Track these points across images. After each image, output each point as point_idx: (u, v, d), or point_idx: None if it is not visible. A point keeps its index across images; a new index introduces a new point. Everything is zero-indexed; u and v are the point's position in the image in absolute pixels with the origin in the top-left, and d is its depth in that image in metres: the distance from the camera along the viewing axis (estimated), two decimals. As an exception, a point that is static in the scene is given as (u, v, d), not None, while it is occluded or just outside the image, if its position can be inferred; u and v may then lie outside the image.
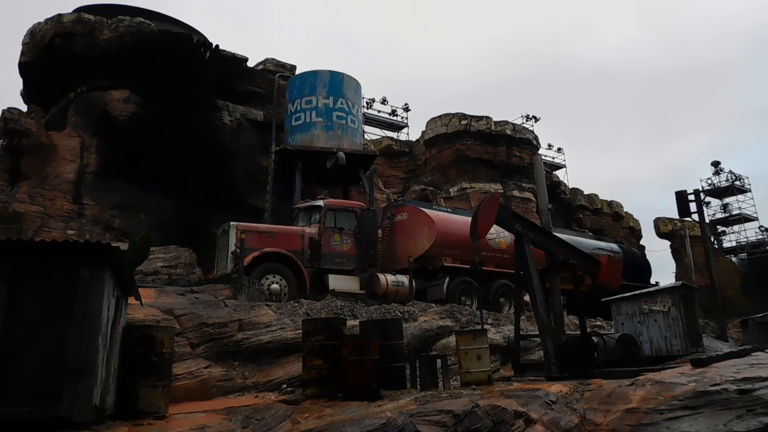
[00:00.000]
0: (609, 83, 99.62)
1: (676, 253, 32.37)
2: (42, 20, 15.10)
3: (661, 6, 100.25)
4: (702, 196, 19.61)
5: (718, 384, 6.58)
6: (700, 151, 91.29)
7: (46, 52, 14.69)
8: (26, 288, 4.21)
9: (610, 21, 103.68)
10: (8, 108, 13.80)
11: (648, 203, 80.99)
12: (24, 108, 16.81)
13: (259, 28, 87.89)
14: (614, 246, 19.16)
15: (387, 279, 12.36)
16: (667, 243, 33.77)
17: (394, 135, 28.26)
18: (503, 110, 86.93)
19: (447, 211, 14.79)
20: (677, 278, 29.47)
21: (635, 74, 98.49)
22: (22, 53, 15.25)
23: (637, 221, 32.01)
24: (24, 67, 15.42)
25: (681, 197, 18.74)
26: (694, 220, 20.39)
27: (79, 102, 14.82)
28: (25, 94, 16.91)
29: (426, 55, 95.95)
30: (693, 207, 18.82)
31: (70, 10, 15.62)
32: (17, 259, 4.25)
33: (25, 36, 15.28)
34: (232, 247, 10.98)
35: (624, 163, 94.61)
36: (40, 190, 13.42)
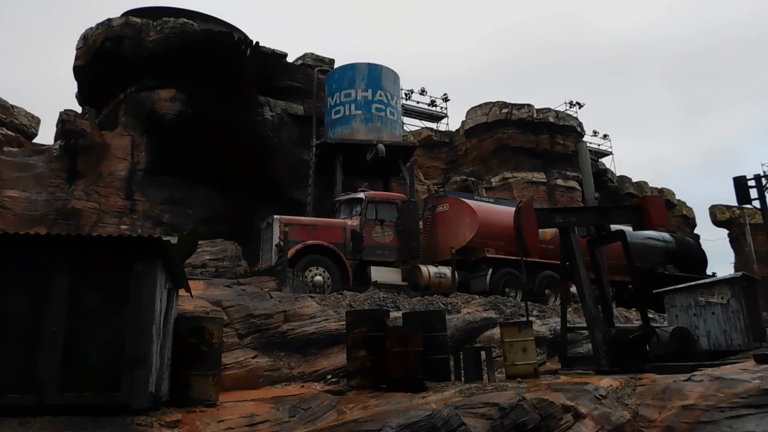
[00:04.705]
0: (636, 62, 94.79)
1: (736, 242, 30.74)
2: (93, 25, 15.76)
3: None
4: (763, 181, 18.40)
5: (788, 382, 6.10)
6: (743, 130, 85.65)
7: (98, 56, 15.32)
8: (86, 280, 4.41)
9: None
10: (65, 110, 14.50)
11: (693, 187, 77.05)
12: (79, 110, 17.62)
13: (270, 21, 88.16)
14: (666, 235, 18.35)
15: (429, 271, 12.31)
16: (724, 232, 32.14)
17: (433, 126, 28.02)
18: (528, 96, 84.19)
19: (489, 202, 14.57)
20: (737, 269, 28.00)
21: (664, 53, 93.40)
22: (76, 57, 15.97)
23: (690, 209, 30.62)
24: (78, 71, 16.15)
25: (740, 183, 17.67)
26: (755, 207, 19.27)
27: (129, 102, 15.40)
28: (80, 96, 17.71)
29: (439, 47, 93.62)
30: (753, 193, 17.73)
31: (119, 14, 16.23)
32: (77, 253, 4.46)
33: (78, 41, 15.98)
34: (276, 240, 11.18)
35: (660, 146, 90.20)
36: (95, 187, 14.07)
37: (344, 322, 7.35)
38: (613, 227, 9.74)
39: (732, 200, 19.05)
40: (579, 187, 22.39)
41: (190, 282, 6.23)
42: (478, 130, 24.76)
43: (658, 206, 9.18)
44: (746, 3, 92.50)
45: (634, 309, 12.91)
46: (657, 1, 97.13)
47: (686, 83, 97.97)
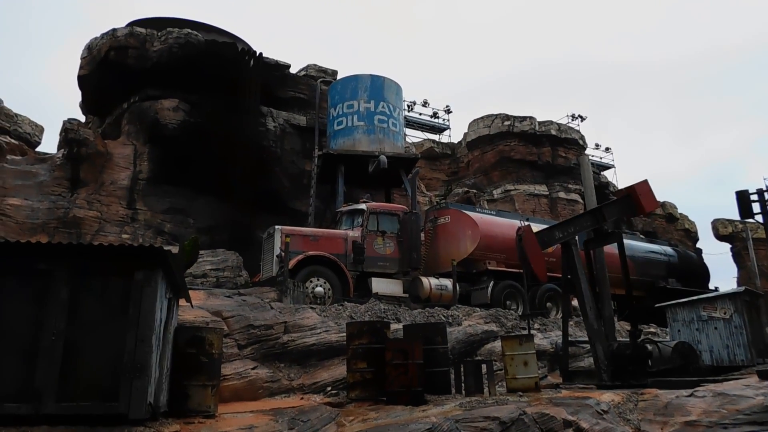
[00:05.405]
0: (638, 76, 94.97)
1: (738, 256, 30.68)
2: (98, 35, 15.90)
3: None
4: (766, 195, 18.35)
5: (792, 399, 6.08)
6: (747, 143, 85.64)
7: (102, 65, 15.44)
8: (86, 289, 4.40)
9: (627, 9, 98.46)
10: (69, 119, 14.58)
11: (696, 201, 77.09)
12: (82, 119, 17.72)
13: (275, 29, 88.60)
14: (668, 249, 18.34)
15: (430, 282, 12.27)
16: (726, 246, 32.11)
17: (435, 137, 28.13)
18: (530, 108, 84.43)
19: (491, 214, 14.55)
20: (739, 283, 27.89)
21: (660, 63, 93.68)
22: (81, 67, 16.08)
23: (692, 223, 30.57)
24: (82, 80, 16.26)
25: (742, 197, 17.58)
26: (757, 222, 19.21)
27: (132, 111, 15.49)
28: (84, 106, 17.82)
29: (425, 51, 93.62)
30: (756, 207, 17.65)
31: (124, 24, 16.38)
32: (78, 262, 4.45)
33: (83, 51, 16.11)
34: (277, 251, 11.16)
35: (662, 159, 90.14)
36: (97, 196, 14.10)
37: (344, 334, 7.32)
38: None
39: (734, 214, 19.00)
40: (581, 200, 22.39)
41: (190, 292, 6.21)
42: (480, 142, 24.86)
43: (646, 191, 9.11)
44: (748, 14, 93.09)
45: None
46: (658, 13, 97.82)
47: (689, 96, 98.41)
